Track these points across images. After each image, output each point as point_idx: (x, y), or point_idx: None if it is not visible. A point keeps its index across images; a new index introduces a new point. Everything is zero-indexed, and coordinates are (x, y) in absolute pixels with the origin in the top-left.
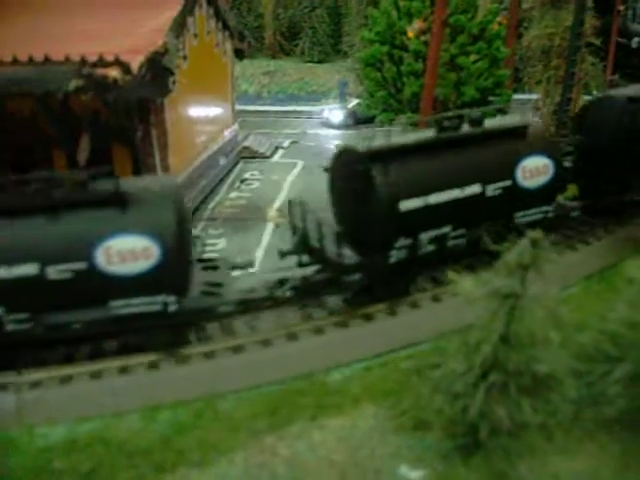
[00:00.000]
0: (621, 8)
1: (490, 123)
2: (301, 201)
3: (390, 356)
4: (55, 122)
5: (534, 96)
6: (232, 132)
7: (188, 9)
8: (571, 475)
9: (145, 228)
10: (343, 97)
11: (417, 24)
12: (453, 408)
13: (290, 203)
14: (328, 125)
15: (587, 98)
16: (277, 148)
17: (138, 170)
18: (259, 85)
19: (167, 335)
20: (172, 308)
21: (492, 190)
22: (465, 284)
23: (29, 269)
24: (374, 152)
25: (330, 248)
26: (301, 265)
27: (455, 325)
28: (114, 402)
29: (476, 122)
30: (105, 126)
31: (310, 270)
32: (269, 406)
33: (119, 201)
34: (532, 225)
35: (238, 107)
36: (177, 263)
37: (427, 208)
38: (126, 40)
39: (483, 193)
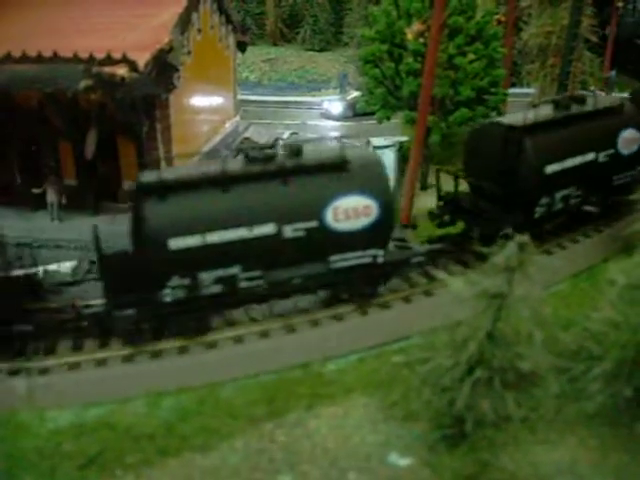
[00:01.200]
0: (620, 4)
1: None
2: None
3: (382, 349)
4: (63, 116)
5: (532, 90)
6: (234, 124)
7: (193, 5)
8: (551, 465)
9: (366, 189)
10: (343, 89)
11: (416, 26)
12: (441, 401)
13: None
14: (328, 116)
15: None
16: (277, 139)
17: (142, 163)
18: (260, 72)
19: (370, 285)
20: (380, 260)
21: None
22: (455, 284)
23: (267, 229)
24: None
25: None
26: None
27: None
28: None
29: (581, 101)
30: (110, 120)
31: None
32: (267, 395)
33: (343, 167)
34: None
35: (238, 96)
36: (389, 219)
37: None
38: (132, 35)
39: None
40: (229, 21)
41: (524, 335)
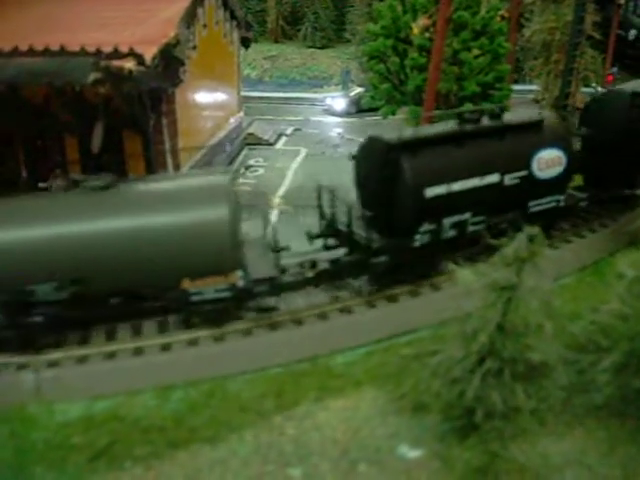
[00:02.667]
0: (621, 1)
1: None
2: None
3: (391, 342)
4: (69, 109)
5: (534, 87)
6: (237, 119)
7: (199, 0)
8: (560, 456)
9: (558, 143)
10: (346, 85)
11: (422, 21)
12: (450, 392)
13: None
14: (331, 112)
15: (585, 91)
16: (280, 135)
17: (149, 157)
18: (261, 69)
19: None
20: (561, 204)
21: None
22: (464, 275)
23: (494, 178)
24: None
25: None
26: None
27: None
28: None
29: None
30: (117, 114)
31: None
32: (275, 388)
33: (540, 125)
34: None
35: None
36: (573, 169)
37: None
38: (138, 30)
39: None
40: (233, 17)
41: (534, 326)
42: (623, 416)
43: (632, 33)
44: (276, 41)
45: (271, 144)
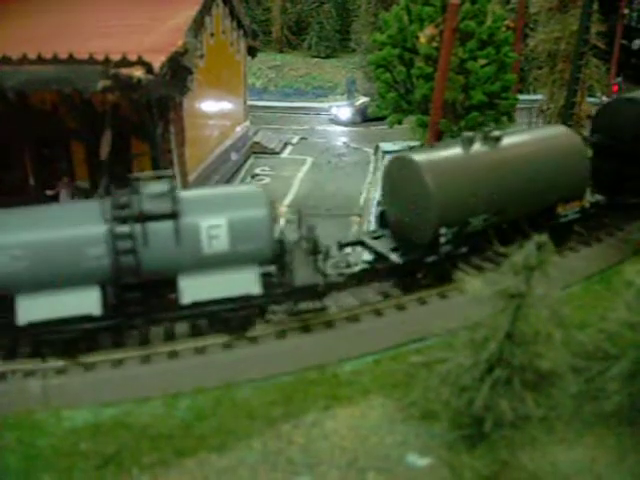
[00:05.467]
0: (626, 11)
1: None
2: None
3: (399, 350)
4: (77, 117)
5: (538, 97)
6: (244, 128)
7: (206, 8)
8: (570, 465)
9: None
10: (351, 94)
11: (429, 30)
12: (459, 400)
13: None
14: (336, 122)
15: (590, 100)
16: (286, 144)
17: (156, 165)
18: (266, 79)
19: None
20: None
21: None
22: (474, 284)
23: None
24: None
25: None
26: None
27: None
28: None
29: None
30: (125, 121)
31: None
32: (283, 396)
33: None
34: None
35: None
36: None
37: None
38: (146, 38)
39: None
40: (240, 26)
41: (543, 335)
42: (633, 424)
43: (636, 43)
44: (281, 51)
45: (277, 153)
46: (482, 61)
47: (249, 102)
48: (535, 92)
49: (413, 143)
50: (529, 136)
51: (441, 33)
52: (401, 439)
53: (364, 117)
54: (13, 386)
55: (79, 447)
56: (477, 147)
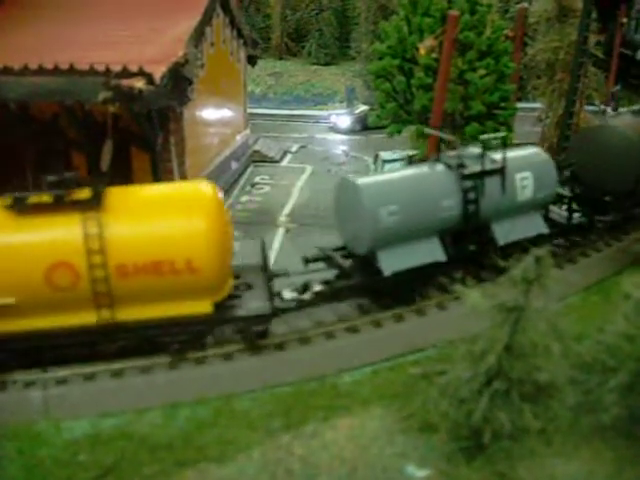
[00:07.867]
0: (624, 20)
1: None
2: None
3: (397, 361)
4: (78, 127)
5: (537, 105)
6: (244, 136)
7: (207, 18)
8: (568, 477)
9: None
10: (350, 102)
11: (428, 41)
12: (458, 412)
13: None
14: (335, 130)
15: (590, 109)
16: (286, 152)
17: (157, 175)
18: (265, 86)
19: None
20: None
21: None
22: (472, 296)
23: None
24: None
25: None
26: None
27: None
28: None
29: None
30: (125, 132)
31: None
32: (283, 406)
33: None
34: None
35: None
36: None
37: None
38: (147, 49)
39: None
40: (240, 35)
41: (541, 347)
42: (630, 437)
43: None
44: (280, 58)
45: (276, 161)
46: (481, 72)
47: (248, 110)
48: (534, 101)
49: (413, 152)
50: None
51: (440, 44)
52: (400, 450)
53: (364, 125)
54: (14, 396)
55: (79, 458)
56: None
